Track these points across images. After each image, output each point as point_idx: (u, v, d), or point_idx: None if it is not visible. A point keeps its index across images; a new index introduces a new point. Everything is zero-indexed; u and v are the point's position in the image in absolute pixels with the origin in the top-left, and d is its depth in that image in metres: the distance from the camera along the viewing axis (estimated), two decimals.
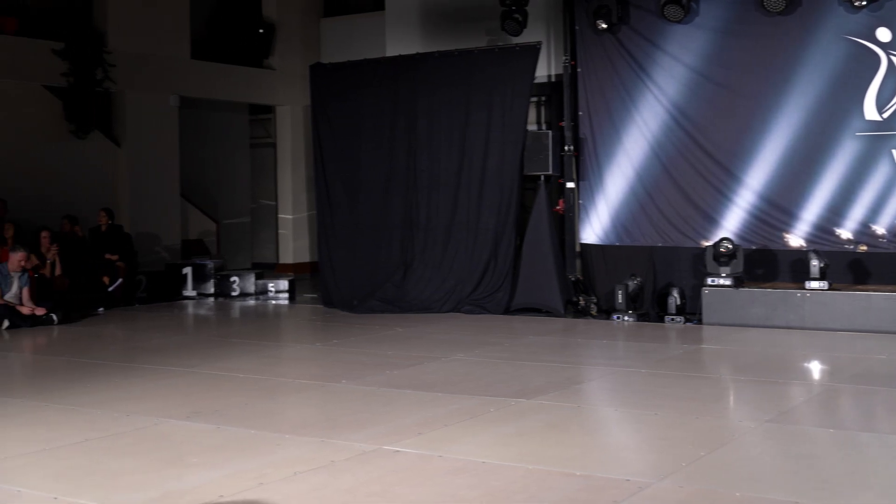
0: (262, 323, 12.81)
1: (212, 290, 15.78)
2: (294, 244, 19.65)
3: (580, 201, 13.21)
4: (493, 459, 5.82)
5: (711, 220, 12.38)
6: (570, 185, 13.22)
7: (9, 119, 15.02)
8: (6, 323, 12.00)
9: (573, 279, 13.05)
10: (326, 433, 6.50)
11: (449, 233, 13.42)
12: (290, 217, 19.63)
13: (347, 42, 18.34)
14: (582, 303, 12.69)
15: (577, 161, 13.22)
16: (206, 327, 11.30)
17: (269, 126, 20.52)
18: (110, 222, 14.96)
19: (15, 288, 12.32)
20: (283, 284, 15.78)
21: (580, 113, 13.16)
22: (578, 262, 13.31)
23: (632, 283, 12.26)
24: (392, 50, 15.25)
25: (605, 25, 12.76)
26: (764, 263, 12.13)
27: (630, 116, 12.86)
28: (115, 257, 14.59)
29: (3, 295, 12.16)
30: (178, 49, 17.41)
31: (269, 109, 20.14)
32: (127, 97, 16.57)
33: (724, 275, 11.59)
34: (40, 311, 12.26)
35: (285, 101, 19.40)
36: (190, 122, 18.39)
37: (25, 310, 12.21)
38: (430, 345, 10.50)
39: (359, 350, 10.20)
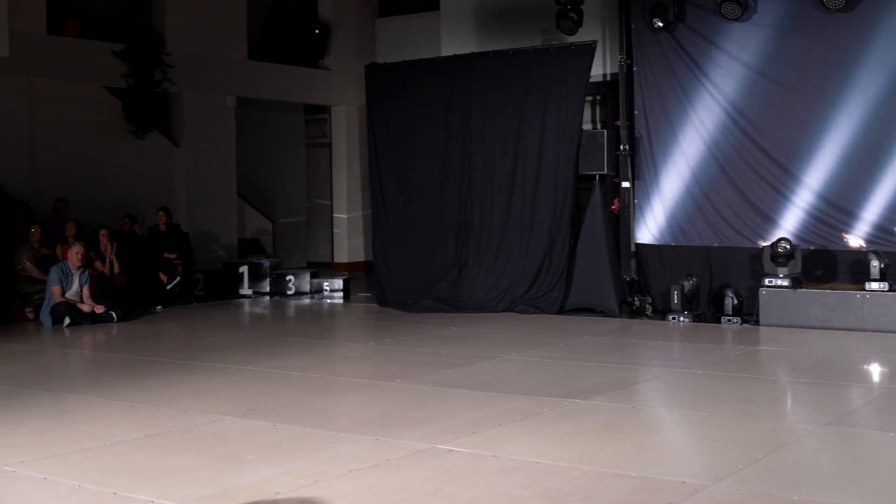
0: (317, 322, 12.89)
1: (267, 289, 15.92)
2: (349, 243, 19.75)
3: (635, 201, 13.13)
4: (547, 459, 5.81)
5: (769, 220, 12.23)
6: (626, 184, 13.14)
7: (70, 120, 15.26)
8: (67, 320, 12.21)
9: (628, 279, 12.98)
10: (381, 432, 6.53)
11: (503, 232, 13.40)
12: (345, 216, 19.73)
13: (402, 42, 18.39)
14: (637, 303, 12.62)
15: (633, 160, 13.14)
16: (262, 326, 11.41)
17: (325, 126, 20.65)
18: (169, 221, 15.15)
19: (76, 286, 12.54)
20: (338, 283, 15.87)
21: (636, 112, 13.08)
22: (633, 262, 13.23)
23: (687, 284, 12.16)
24: (447, 49, 15.27)
25: (661, 24, 12.67)
26: (822, 264, 11.96)
27: (686, 115, 12.76)
28: (173, 256, 14.77)
29: (64, 293, 12.39)
30: (235, 50, 17.59)
31: (325, 109, 20.26)
32: (185, 97, 16.77)
33: (781, 275, 11.46)
34: (100, 309, 12.45)
35: (340, 101, 19.50)
36: (246, 122, 18.57)
37: (85, 307, 12.41)
38: (484, 344, 10.50)
39: (413, 349, 10.22)
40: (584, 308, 12.78)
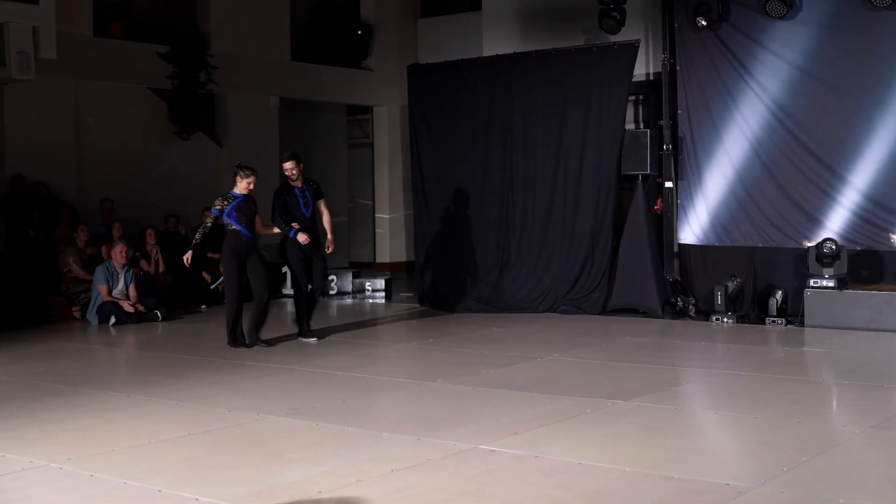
0: (359, 321, 12.93)
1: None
2: (391, 243, 19.79)
3: (678, 201, 13.05)
4: (589, 461, 5.79)
5: (814, 220, 12.11)
6: (669, 184, 13.07)
7: (116, 121, 15.42)
8: (113, 319, 12.35)
9: (671, 280, 12.90)
10: (422, 432, 6.54)
11: (545, 232, 13.38)
12: (387, 216, 19.78)
13: (444, 42, 18.40)
14: (680, 304, 12.54)
15: (676, 160, 13.06)
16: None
17: (367, 126, 20.71)
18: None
19: (121, 284, 12.68)
20: (380, 283, 15.91)
21: (679, 111, 13.00)
22: (676, 263, 13.15)
23: (731, 284, 12.06)
24: (489, 50, 15.26)
25: (704, 22, 12.58)
26: (869, 265, 11.82)
27: (730, 115, 12.66)
28: (217, 256, 14.85)
29: (110, 291, 12.53)
30: (278, 51, 17.69)
31: (367, 110, 20.32)
32: (229, 98, 16.90)
33: (827, 276, 11.34)
34: (141, 308, 12.57)
35: (383, 102, 19.56)
36: (289, 123, 18.66)
37: (128, 306, 12.54)
38: (525, 345, 10.48)
39: (455, 349, 10.23)
40: (627, 309, 12.72)
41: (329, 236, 10.88)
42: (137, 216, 14.82)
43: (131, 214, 14.71)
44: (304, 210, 10.59)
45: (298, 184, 10.65)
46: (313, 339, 10.68)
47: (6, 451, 6.22)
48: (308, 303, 10.85)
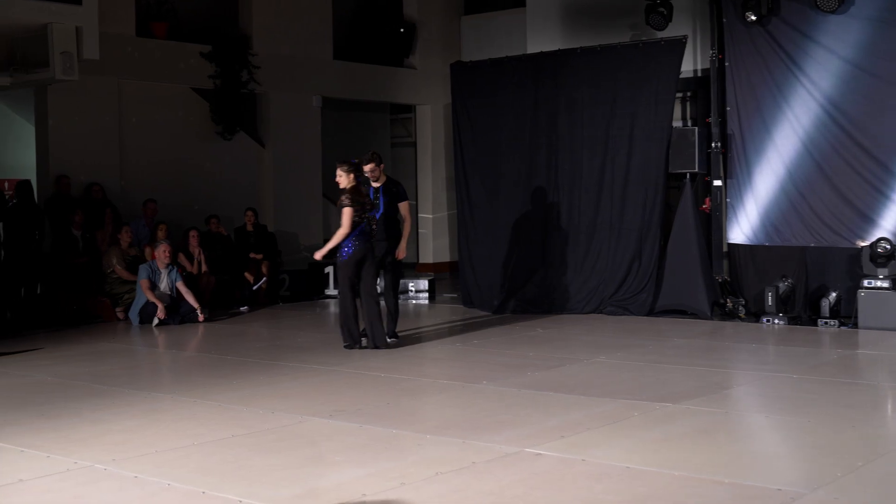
0: (403, 323, 12.94)
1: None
2: (434, 243, 19.81)
3: (728, 199, 12.94)
4: (638, 465, 5.76)
5: (868, 219, 11.95)
6: (718, 182, 12.97)
7: (159, 121, 15.58)
8: (156, 320, 12.48)
9: (720, 280, 12.80)
10: (468, 434, 6.54)
11: (591, 232, 13.33)
12: (430, 216, 19.80)
13: (488, 40, 18.40)
14: (729, 305, 12.44)
15: (725, 158, 12.96)
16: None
17: (410, 125, 20.75)
18: (256, 221, 15.36)
19: (165, 283, 12.80)
20: (423, 284, 15.94)
21: (728, 108, 12.90)
22: (726, 263, 13.05)
23: (782, 285, 11.96)
24: (533, 47, 15.22)
25: (754, 17, 12.47)
26: None
27: (781, 111, 12.53)
28: (259, 256, 14.98)
29: (153, 287, 12.64)
30: (320, 50, 17.78)
31: (410, 109, 20.36)
32: (271, 98, 17.00)
33: (881, 276, 11.20)
34: (195, 304, 12.71)
35: (426, 100, 19.58)
36: (332, 122, 18.75)
37: (190, 298, 12.70)
38: (572, 346, 10.46)
39: (500, 351, 10.23)
40: (675, 310, 12.65)
41: (402, 242, 10.81)
42: (179, 217, 14.95)
43: (173, 215, 14.84)
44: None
45: (377, 184, 10.66)
46: (392, 341, 10.66)
47: (51, 451, 6.31)
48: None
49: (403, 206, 10.95)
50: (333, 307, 14.85)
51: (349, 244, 10.07)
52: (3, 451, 6.37)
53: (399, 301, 11.27)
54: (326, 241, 10.61)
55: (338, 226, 10.10)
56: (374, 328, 10.25)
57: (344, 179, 10.07)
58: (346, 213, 10.01)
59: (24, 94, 14.91)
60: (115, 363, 10.01)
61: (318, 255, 10.31)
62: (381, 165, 10.81)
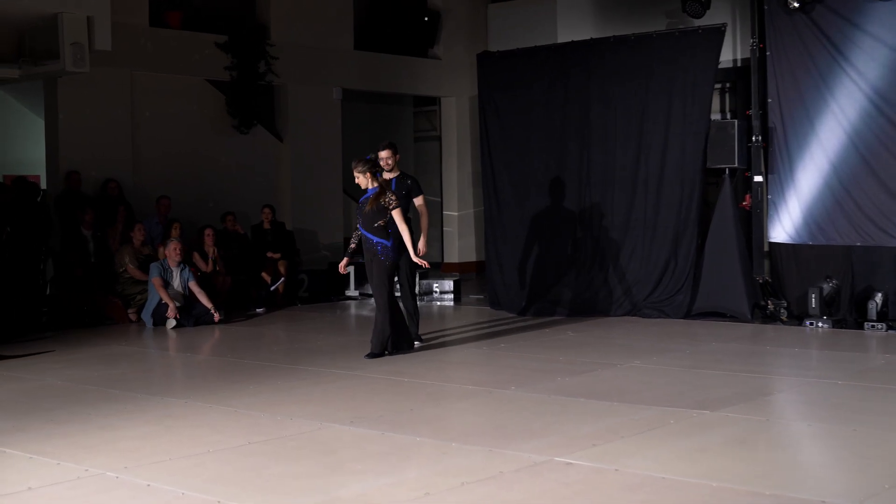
0: (427, 326, 12.97)
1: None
2: (459, 242, 19.82)
3: (769, 196, 12.88)
4: (674, 475, 5.75)
5: None
6: (758, 178, 12.91)
7: (173, 114, 15.65)
8: (172, 322, 12.55)
9: (761, 281, 12.75)
10: (494, 442, 6.55)
11: (625, 231, 13.31)
12: (456, 214, 19.81)
13: (516, 29, 18.36)
14: (771, 307, 12.39)
15: (766, 152, 12.89)
16: (369, 329, 11.47)
17: (434, 118, 20.77)
18: (273, 219, 15.41)
19: (177, 282, 12.87)
20: (449, 285, 15.95)
21: (769, 100, 12.83)
22: (767, 263, 12.99)
23: (827, 286, 11.89)
24: (564, 36, 15.21)
25: (797, 4, 12.40)
26: None
27: (825, 103, 12.46)
28: (276, 255, 15.03)
29: (165, 286, 12.70)
30: (340, 40, 17.82)
31: (434, 101, 20.37)
32: (289, 90, 17.06)
33: None
34: (210, 305, 12.76)
35: (451, 92, 19.59)
36: (353, 115, 18.79)
37: (203, 298, 12.75)
38: (604, 350, 10.45)
39: (528, 355, 10.23)
40: (713, 312, 12.61)
41: (422, 239, 10.77)
42: (194, 214, 15.03)
43: (188, 212, 14.92)
44: None
45: (389, 176, 10.66)
46: (417, 344, 10.68)
47: (62, 458, 6.36)
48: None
49: (419, 201, 10.96)
50: (354, 309, 14.90)
51: (393, 245, 10.09)
52: (12, 458, 6.43)
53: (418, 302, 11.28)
54: (347, 240, 10.67)
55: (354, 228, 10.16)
56: (400, 332, 10.28)
57: (363, 179, 10.08)
58: (400, 215, 10.05)
59: (33, 87, 15.04)
60: (127, 367, 10.08)
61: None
62: (397, 156, 10.81)
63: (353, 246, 10.46)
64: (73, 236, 13.74)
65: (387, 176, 10.66)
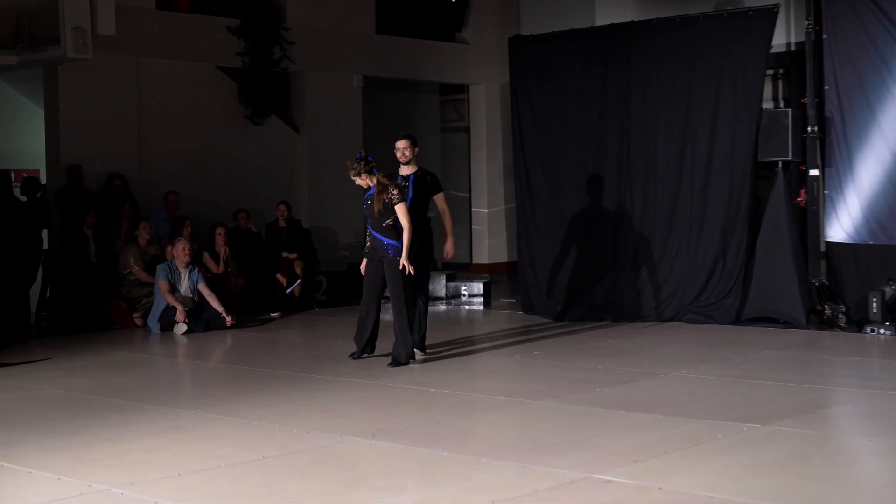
0: (455, 331, 12.98)
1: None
2: (490, 241, 19.83)
3: (825, 192, 12.82)
4: (722, 494, 5.73)
5: None
6: (814, 172, 12.85)
7: (181, 104, 15.72)
8: (183, 327, 12.59)
9: (817, 284, 12.69)
10: (528, 457, 6.55)
11: (669, 229, 13.27)
12: (486, 211, 19.82)
13: (551, 11, 18.30)
14: (828, 312, 12.33)
15: (822, 144, 12.83)
16: (392, 335, 11.49)
17: (462, 108, 20.78)
18: (289, 216, 15.44)
19: (185, 285, 12.91)
20: (478, 287, 15.94)
21: (826, 87, 12.76)
22: (823, 264, 12.93)
23: (889, 290, 11.82)
24: (602, 18, 15.18)
25: None
26: None
27: (888, 90, 12.38)
28: (293, 256, 15.07)
29: (173, 290, 12.74)
30: (361, 24, 17.85)
31: (463, 89, 20.39)
32: (306, 78, 17.10)
33: None
34: (220, 308, 12.81)
35: (480, 80, 19.60)
36: (374, 104, 18.80)
37: (214, 301, 12.80)
38: (646, 359, 10.43)
39: (564, 364, 10.22)
40: (765, 318, 12.56)
41: (449, 240, 10.84)
42: (204, 211, 15.07)
43: (197, 209, 14.97)
44: None
45: (407, 171, 10.65)
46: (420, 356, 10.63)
47: (63, 473, 6.40)
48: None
49: (440, 199, 10.93)
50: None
51: (400, 245, 10.11)
52: (10, 473, 6.48)
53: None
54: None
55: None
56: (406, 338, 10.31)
57: (361, 181, 10.15)
58: (403, 210, 10.06)
59: (32, 75, 15.11)
60: (133, 375, 10.13)
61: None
62: (416, 149, 10.73)
63: (368, 245, 10.48)
64: (75, 234, 13.80)
65: (404, 171, 10.62)
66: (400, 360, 10.12)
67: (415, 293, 10.59)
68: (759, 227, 12.78)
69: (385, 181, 10.15)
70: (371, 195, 10.12)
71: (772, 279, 12.56)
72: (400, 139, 10.71)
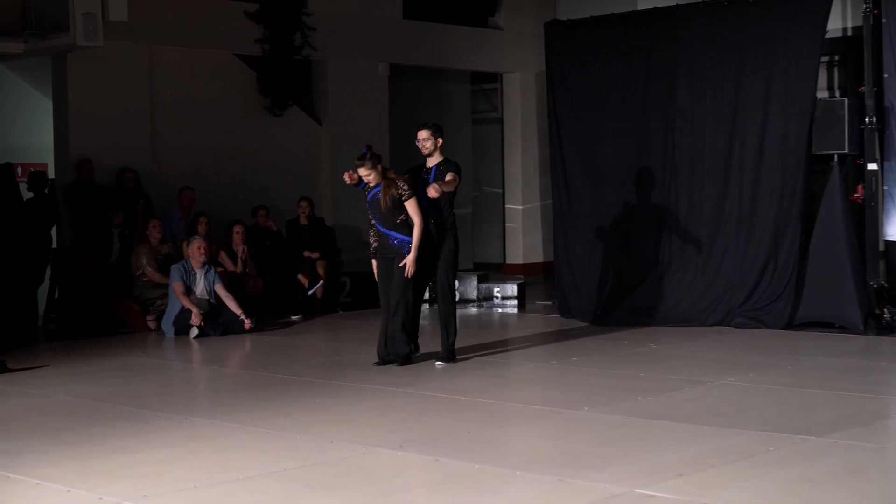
0: (487, 336, 12.97)
1: (426, 296, 16.07)
2: (524, 240, 19.81)
3: (885, 187, 12.77)
4: None
5: None
6: (872, 166, 12.79)
7: (197, 94, 15.78)
8: (195, 331, 12.65)
9: (875, 286, 12.63)
10: (565, 471, 6.54)
11: (716, 227, 13.23)
12: (520, 207, 19.81)
13: None
14: (887, 316, 12.27)
15: (882, 136, 12.78)
16: (420, 340, 11.52)
17: (495, 98, 20.77)
18: (311, 214, 15.47)
19: (201, 286, 12.95)
20: (512, 289, 15.94)
21: (885, 76, 12.70)
22: (882, 265, 12.88)
23: None
24: (645, 2, 15.15)
25: None
26: None
27: None
28: (315, 255, 15.11)
29: (188, 292, 12.79)
30: (387, 8, 17.88)
31: (496, 77, 20.38)
32: (329, 66, 17.14)
33: None
34: (238, 311, 12.85)
35: (514, 68, 19.58)
36: (401, 94, 18.82)
37: (232, 303, 12.84)
38: (692, 366, 10.40)
39: (604, 370, 10.21)
40: (819, 322, 12.49)
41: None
42: (221, 208, 15.13)
43: (214, 206, 15.02)
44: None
45: (430, 163, 10.64)
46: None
47: (72, 485, 6.44)
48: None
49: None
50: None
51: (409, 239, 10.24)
52: (17, 484, 6.52)
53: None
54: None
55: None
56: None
57: (374, 175, 10.19)
58: (415, 205, 10.11)
59: (39, 64, 15.20)
60: (146, 381, 10.19)
61: (412, 265, 10.28)
62: (440, 140, 10.70)
63: (375, 244, 10.53)
64: (95, 232, 13.86)
65: (428, 163, 10.61)
66: (403, 352, 10.36)
67: (453, 294, 10.80)
68: (812, 226, 12.73)
69: (392, 175, 10.21)
70: (377, 191, 10.16)
71: (826, 281, 12.49)
72: (421, 129, 10.69)
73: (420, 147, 10.58)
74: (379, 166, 10.25)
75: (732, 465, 6.65)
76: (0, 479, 6.59)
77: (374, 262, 10.60)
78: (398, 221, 10.18)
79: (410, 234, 10.16)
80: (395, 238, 10.20)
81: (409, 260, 10.21)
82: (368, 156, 10.21)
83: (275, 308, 14.44)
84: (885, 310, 12.37)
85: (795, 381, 9.51)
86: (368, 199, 10.35)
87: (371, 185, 10.27)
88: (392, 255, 10.29)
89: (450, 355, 10.68)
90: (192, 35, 15.69)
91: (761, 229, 12.96)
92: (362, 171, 10.21)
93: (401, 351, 10.35)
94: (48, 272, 14.25)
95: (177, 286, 12.77)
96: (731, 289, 13.03)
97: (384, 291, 10.48)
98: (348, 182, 10.51)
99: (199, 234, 13.44)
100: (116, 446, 7.40)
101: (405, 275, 10.23)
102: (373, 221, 10.46)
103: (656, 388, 9.19)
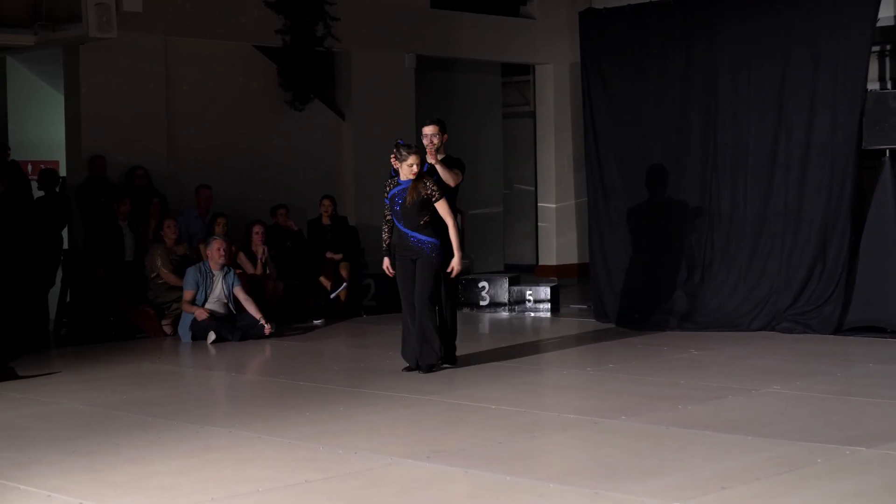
0: (519, 340, 12.97)
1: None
2: (558, 241, 19.79)
3: None
4: None
5: None
6: None
7: (215, 88, 15.83)
8: (212, 336, 12.67)
9: None
10: (601, 483, 6.53)
11: (760, 226, 13.18)
12: (553, 206, 19.79)
13: None
14: None
15: None
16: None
17: (527, 90, 20.76)
18: (334, 213, 15.49)
19: (219, 290, 12.96)
20: (545, 292, 15.94)
21: None
22: None
23: None
24: None
25: None
26: None
27: None
28: (338, 256, 15.12)
29: (195, 300, 12.79)
30: None
31: (528, 69, 20.37)
32: (353, 58, 17.16)
33: None
34: (258, 315, 12.86)
35: (548, 59, 19.57)
36: (428, 87, 18.83)
37: (251, 307, 12.86)
38: (735, 373, 10.36)
39: (642, 378, 10.18)
40: (869, 327, 12.44)
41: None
42: (240, 207, 15.17)
43: (233, 205, 15.07)
44: None
45: (433, 159, 10.65)
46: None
47: (85, 497, 6.46)
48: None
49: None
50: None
51: (442, 243, 10.23)
52: (27, 496, 6.55)
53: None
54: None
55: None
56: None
57: (415, 168, 10.21)
58: (445, 206, 10.15)
59: (51, 56, 15.29)
60: (161, 388, 10.23)
61: (458, 265, 10.35)
62: (445, 136, 10.73)
63: (388, 240, 10.62)
64: (104, 229, 13.91)
65: (431, 160, 10.62)
66: (431, 361, 10.31)
67: (455, 299, 10.91)
68: (863, 225, 12.66)
69: (421, 174, 10.24)
70: (405, 187, 10.18)
71: (878, 283, 12.44)
72: (428, 125, 10.73)
73: (426, 143, 10.59)
74: (417, 158, 10.23)
75: (778, 477, 6.62)
76: (10, 491, 6.62)
77: (386, 260, 10.65)
78: (422, 223, 10.19)
79: (430, 235, 10.19)
80: (416, 238, 10.22)
81: (456, 262, 10.32)
82: (408, 146, 10.22)
83: (296, 312, 14.47)
84: None
85: (844, 389, 9.47)
86: (391, 194, 10.35)
87: (404, 177, 10.25)
88: (414, 256, 10.31)
89: (454, 358, 10.83)
90: (210, 26, 15.73)
91: (808, 230, 12.90)
92: (413, 159, 10.18)
93: (430, 360, 10.32)
94: (59, 274, 14.33)
95: (187, 294, 12.77)
96: (777, 291, 12.98)
97: (406, 292, 10.49)
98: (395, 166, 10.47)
99: (217, 234, 13.43)
100: (130, 457, 7.43)
101: (452, 276, 10.34)
102: (388, 217, 10.46)
103: (697, 396, 9.16)
